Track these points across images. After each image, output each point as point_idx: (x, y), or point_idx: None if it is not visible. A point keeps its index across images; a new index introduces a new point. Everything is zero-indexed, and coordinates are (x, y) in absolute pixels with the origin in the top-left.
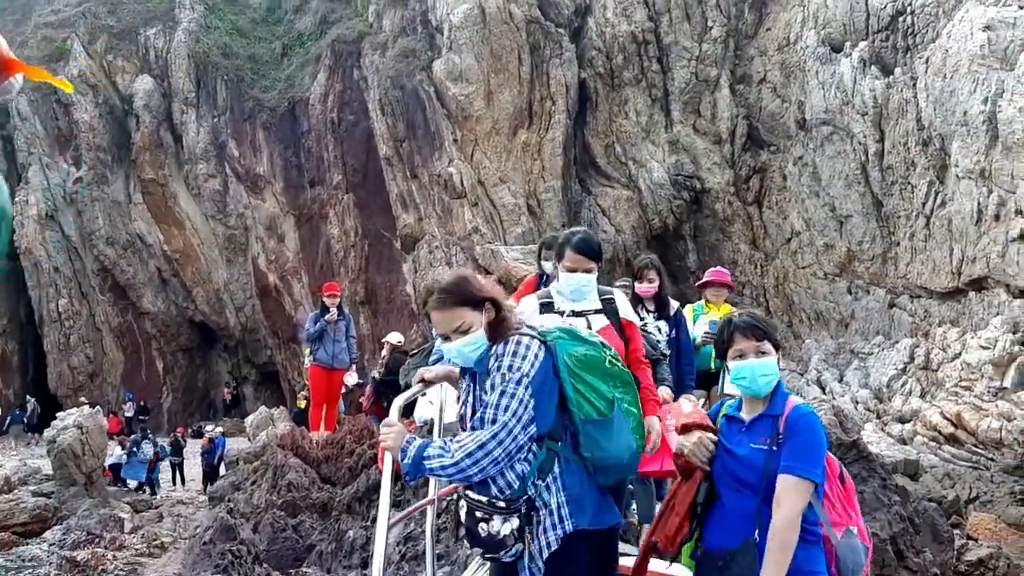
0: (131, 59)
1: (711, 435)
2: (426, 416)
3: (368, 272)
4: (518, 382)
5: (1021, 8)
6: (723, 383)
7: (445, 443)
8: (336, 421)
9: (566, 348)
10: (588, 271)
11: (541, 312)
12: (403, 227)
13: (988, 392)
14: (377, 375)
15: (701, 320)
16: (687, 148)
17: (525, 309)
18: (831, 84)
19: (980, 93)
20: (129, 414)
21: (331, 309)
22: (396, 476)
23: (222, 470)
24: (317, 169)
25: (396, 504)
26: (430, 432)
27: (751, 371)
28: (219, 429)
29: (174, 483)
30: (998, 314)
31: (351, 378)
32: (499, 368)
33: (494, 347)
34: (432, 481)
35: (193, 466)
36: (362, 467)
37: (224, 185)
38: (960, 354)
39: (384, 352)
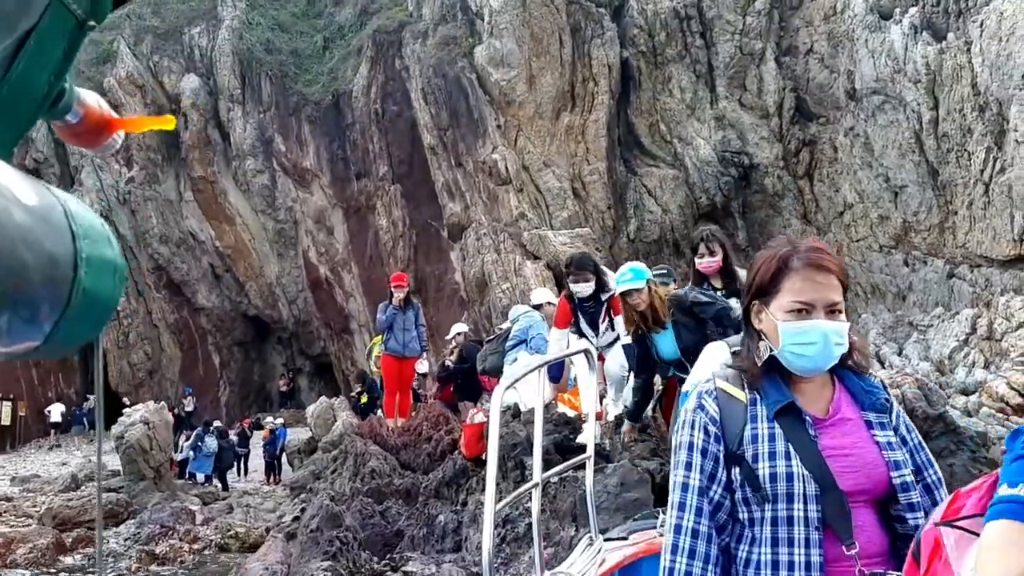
0: (176, 59)
1: None
2: (509, 401)
3: (417, 262)
4: None
5: None
6: None
7: None
8: (410, 408)
9: None
10: None
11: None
12: (450, 216)
13: None
14: (450, 364)
15: None
16: (733, 124)
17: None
18: (881, 52)
19: None
20: (189, 408)
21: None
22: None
23: (284, 460)
24: (363, 161)
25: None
26: (514, 417)
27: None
28: (279, 420)
29: (237, 474)
30: None
31: (423, 366)
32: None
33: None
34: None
35: (254, 457)
36: (441, 453)
37: (272, 180)
38: None
39: (454, 341)
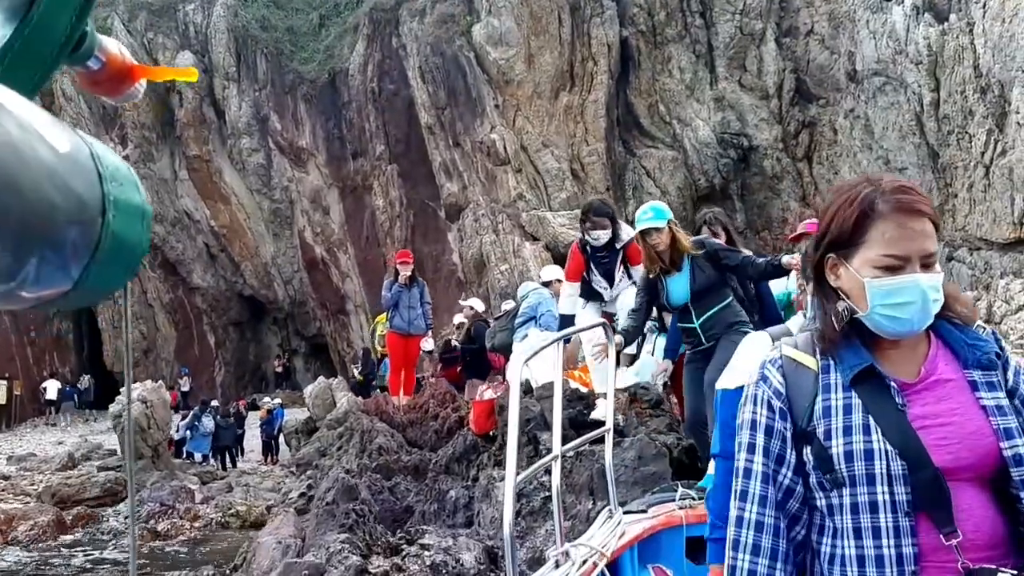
0: (171, 36)
1: None
2: (522, 377)
3: (414, 242)
4: None
5: None
6: None
7: None
8: (415, 386)
9: None
10: None
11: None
12: (447, 196)
13: None
14: (456, 344)
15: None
16: (733, 105)
17: None
18: (883, 33)
19: None
20: (185, 388)
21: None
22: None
23: (281, 440)
24: (359, 140)
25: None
26: (527, 393)
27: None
28: (276, 400)
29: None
30: None
31: (428, 343)
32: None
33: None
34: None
35: (250, 437)
36: (448, 430)
37: (268, 159)
38: None
39: (462, 318)
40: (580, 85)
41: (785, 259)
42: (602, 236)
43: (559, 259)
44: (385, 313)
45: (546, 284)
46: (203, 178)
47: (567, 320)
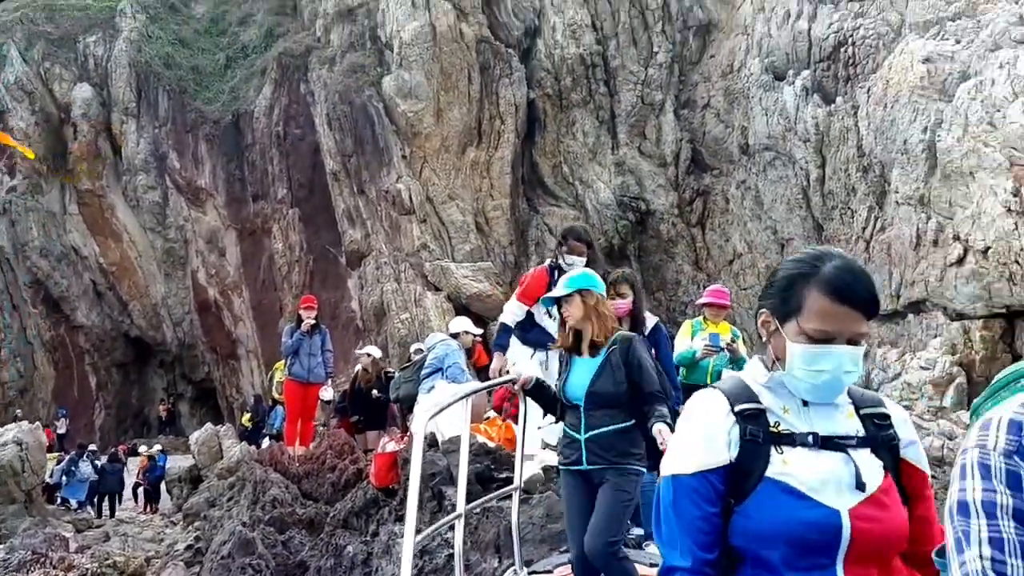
0: (69, 67)
1: None
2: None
3: (312, 288)
4: None
5: (958, 43)
6: None
7: None
8: (312, 436)
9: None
10: None
11: None
12: (349, 243)
13: (928, 412)
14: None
15: (700, 335)
16: (633, 170)
17: None
18: (774, 111)
19: (920, 123)
20: (62, 431)
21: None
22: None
23: (163, 488)
24: (261, 183)
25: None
26: (432, 446)
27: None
28: (158, 446)
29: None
30: (936, 336)
31: (327, 393)
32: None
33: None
34: (460, 495)
35: (129, 484)
36: (346, 483)
37: (164, 197)
38: (900, 374)
39: (360, 367)
40: (487, 142)
41: (659, 437)
42: (578, 263)
43: (461, 310)
44: (284, 360)
45: (454, 336)
46: (94, 213)
47: (507, 330)
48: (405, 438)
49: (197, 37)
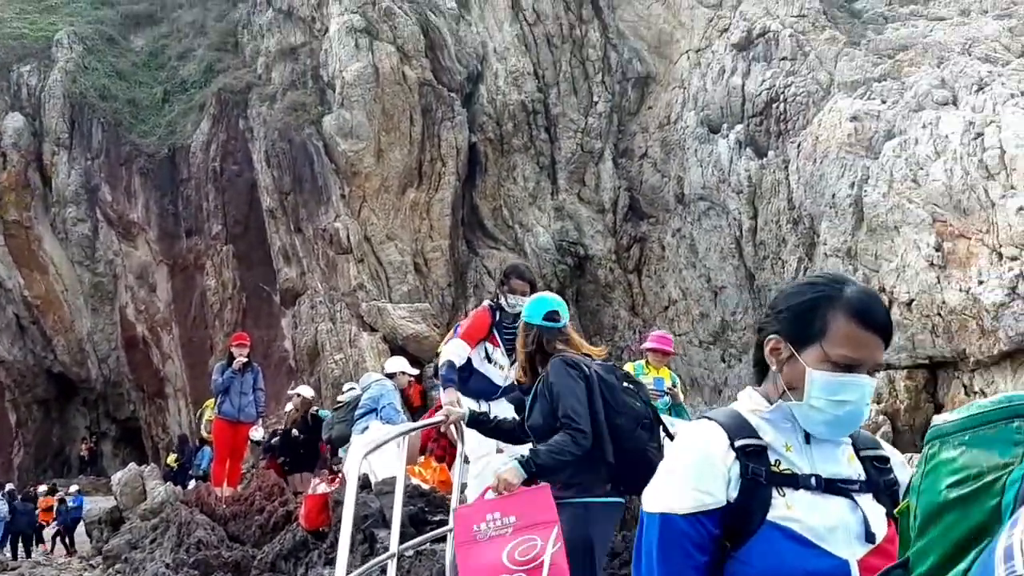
0: (1, 96)
1: None
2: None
3: (245, 326)
4: None
5: (884, 103)
6: None
7: None
8: (240, 477)
9: None
10: None
11: None
12: (284, 281)
13: None
14: (279, 431)
15: (643, 378)
16: (572, 215)
17: None
18: (709, 162)
19: (847, 178)
20: None
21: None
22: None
23: (81, 529)
24: (195, 218)
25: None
26: (365, 488)
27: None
28: (74, 487)
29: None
30: None
31: (257, 433)
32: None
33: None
34: (394, 535)
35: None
36: (274, 525)
37: (94, 230)
38: None
39: (291, 406)
40: (428, 183)
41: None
42: (520, 303)
43: (397, 351)
44: (214, 398)
45: (390, 376)
46: (20, 245)
47: (454, 367)
48: (336, 480)
49: (135, 70)
